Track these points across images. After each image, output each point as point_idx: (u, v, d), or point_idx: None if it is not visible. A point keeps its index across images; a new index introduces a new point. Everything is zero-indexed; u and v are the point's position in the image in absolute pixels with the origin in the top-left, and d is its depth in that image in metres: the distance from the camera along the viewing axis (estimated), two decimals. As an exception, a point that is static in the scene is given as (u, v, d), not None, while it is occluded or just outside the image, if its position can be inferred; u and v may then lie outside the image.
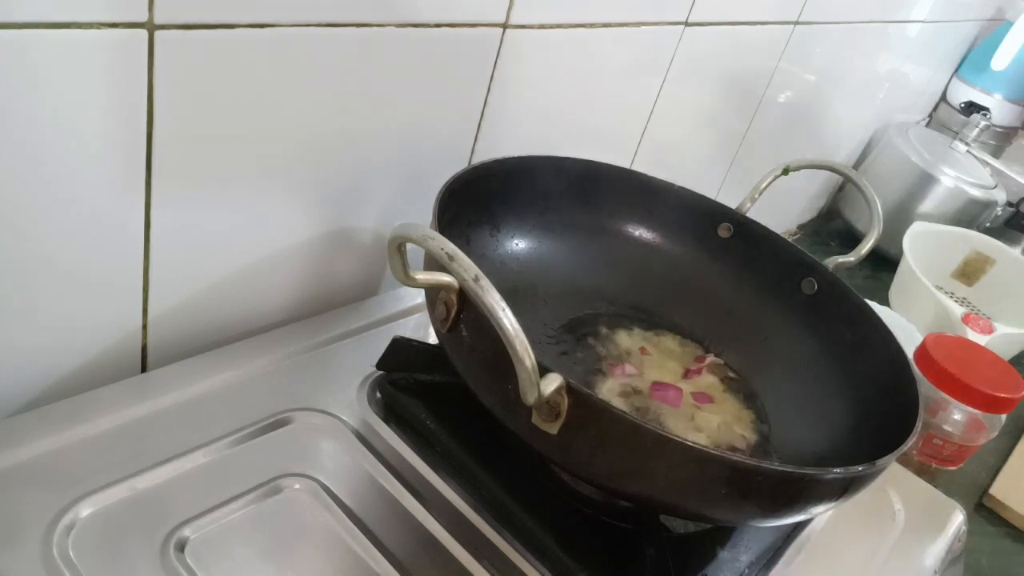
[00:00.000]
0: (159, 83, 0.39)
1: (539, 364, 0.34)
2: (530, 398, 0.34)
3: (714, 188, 0.98)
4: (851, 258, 0.60)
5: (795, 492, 0.38)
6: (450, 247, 0.34)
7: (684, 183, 0.62)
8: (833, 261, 0.59)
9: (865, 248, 0.61)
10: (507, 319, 0.33)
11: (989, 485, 0.80)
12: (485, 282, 0.34)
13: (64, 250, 0.40)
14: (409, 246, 0.36)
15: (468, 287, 0.34)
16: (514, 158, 0.55)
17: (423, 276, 0.38)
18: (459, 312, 0.39)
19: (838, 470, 0.37)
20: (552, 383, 0.34)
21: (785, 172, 0.64)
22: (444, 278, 0.38)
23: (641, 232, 0.64)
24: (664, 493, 0.38)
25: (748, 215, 0.63)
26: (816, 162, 0.64)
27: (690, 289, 0.63)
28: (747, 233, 0.62)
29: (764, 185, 0.64)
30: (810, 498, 0.39)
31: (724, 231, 0.63)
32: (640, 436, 0.36)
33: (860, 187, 0.61)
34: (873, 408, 0.51)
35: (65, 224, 0.40)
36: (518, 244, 0.60)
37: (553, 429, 0.36)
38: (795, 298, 0.59)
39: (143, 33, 0.37)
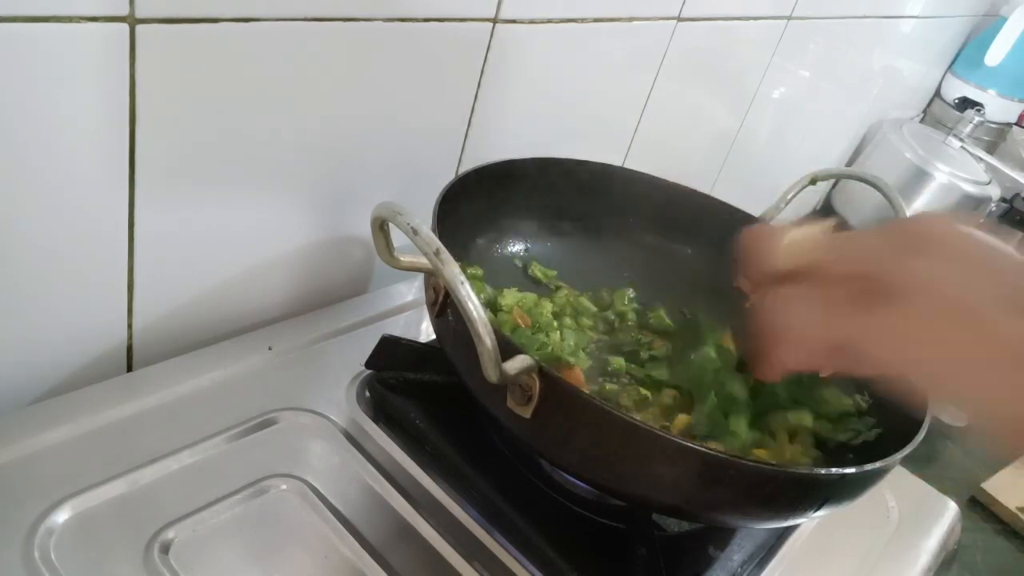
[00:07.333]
0: (142, 79, 0.38)
1: (510, 344, 0.33)
2: (492, 375, 0.33)
3: (708, 183, 0.98)
4: None
5: (773, 490, 0.36)
6: (416, 222, 0.34)
7: (678, 179, 0.62)
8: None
9: None
10: (466, 292, 0.32)
11: (983, 480, 0.80)
12: (446, 255, 0.33)
13: (46, 249, 0.40)
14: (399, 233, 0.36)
15: (431, 260, 0.33)
16: (518, 160, 0.54)
17: (407, 258, 0.38)
18: (446, 296, 0.39)
19: (804, 469, 0.37)
20: (520, 363, 0.34)
21: (812, 183, 0.63)
22: (426, 260, 0.37)
23: (651, 238, 0.62)
24: (636, 484, 0.37)
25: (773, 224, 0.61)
26: (843, 172, 0.63)
27: (707, 293, 0.61)
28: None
29: (791, 196, 0.63)
30: (788, 498, 0.37)
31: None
32: (610, 423, 0.35)
33: (890, 198, 0.61)
34: (877, 407, 0.50)
35: (46, 223, 0.39)
36: (519, 246, 0.59)
37: (527, 413, 0.36)
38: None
39: (124, 27, 0.36)
